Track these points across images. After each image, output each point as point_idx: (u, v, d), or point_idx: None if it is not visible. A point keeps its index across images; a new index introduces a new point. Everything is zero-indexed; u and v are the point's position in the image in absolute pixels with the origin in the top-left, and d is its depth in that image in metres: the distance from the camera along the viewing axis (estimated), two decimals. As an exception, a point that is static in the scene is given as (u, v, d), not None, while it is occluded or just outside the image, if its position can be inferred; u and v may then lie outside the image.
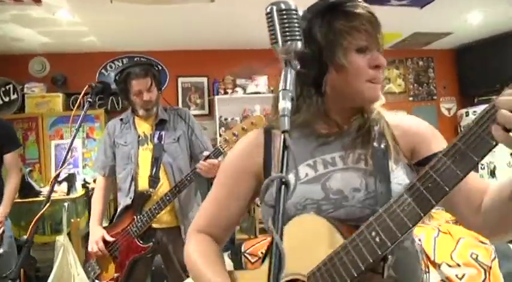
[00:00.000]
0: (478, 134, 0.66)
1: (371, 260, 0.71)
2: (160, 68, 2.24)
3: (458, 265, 1.81)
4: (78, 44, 4.59)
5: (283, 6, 0.71)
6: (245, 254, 2.20)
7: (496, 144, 0.65)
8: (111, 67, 4.98)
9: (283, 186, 0.61)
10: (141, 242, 2.13)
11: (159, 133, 2.25)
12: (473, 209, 0.81)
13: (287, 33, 0.71)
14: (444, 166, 0.69)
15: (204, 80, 5.30)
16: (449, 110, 5.79)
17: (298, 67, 0.74)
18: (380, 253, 0.71)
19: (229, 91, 5.25)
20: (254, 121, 1.95)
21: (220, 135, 5.02)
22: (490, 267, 1.82)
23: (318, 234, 0.80)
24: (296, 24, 0.72)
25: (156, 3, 3.33)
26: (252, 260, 2.16)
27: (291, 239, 0.78)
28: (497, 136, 0.63)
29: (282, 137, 0.65)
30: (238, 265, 2.13)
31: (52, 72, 4.77)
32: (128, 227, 2.14)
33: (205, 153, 2.09)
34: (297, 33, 0.72)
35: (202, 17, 4.11)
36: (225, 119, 5.27)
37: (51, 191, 1.48)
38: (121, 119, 2.34)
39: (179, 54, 5.08)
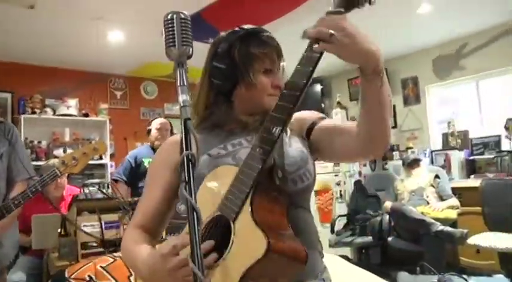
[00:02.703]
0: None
1: (260, 166, 0.88)
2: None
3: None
4: None
5: (182, 15, 0.84)
6: (70, 280, 2.08)
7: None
8: None
9: (190, 162, 0.72)
10: None
11: None
12: (348, 139, 1.03)
13: (184, 39, 0.83)
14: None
15: (8, 96, 4.76)
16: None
17: (214, 79, 0.99)
18: (264, 158, 0.88)
19: (38, 111, 4.82)
20: (96, 146, 1.96)
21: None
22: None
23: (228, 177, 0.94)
24: (190, 32, 0.85)
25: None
26: (79, 285, 2.06)
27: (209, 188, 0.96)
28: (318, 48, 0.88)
29: (184, 123, 0.77)
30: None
31: None
32: None
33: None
34: (190, 39, 0.85)
35: (15, 25, 3.73)
36: (31, 142, 4.78)
37: None
38: None
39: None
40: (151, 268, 0.88)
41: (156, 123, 3.62)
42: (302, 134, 1.14)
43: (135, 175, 3.47)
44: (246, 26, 1.12)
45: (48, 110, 4.89)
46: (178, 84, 0.82)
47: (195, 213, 0.66)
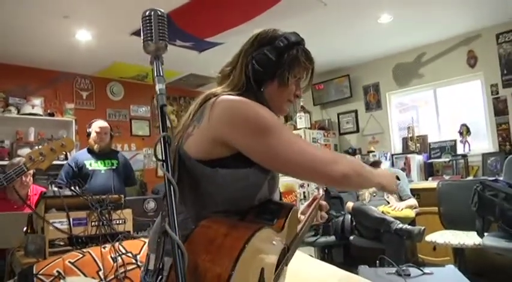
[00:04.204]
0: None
1: None
2: None
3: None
4: None
5: (159, 13, 0.92)
6: (38, 276, 2.06)
7: None
8: None
9: (166, 143, 0.80)
10: None
11: None
12: None
13: (160, 34, 0.91)
14: None
15: (-30, 94, 4.63)
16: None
17: (256, 64, 1.14)
18: None
19: (1, 110, 4.71)
20: (64, 143, 1.97)
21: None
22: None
23: None
24: (166, 28, 0.93)
25: None
26: (47, 281, 2.05)
27: None
28: None
29: (160, 108, 0.85)
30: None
31: None
32: None
33: None
34: (166, 35, 0.93)
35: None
36: (-7, 141, 4.67)
37: None
38: None
39: None
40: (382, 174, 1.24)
41: (96, 126, 3.63)
42: None
43: (78, 178, 3.45)
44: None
45: (12, 109, 4.79)
46: (156, 74, 0.90)
47: (172, 187, 0.74)
